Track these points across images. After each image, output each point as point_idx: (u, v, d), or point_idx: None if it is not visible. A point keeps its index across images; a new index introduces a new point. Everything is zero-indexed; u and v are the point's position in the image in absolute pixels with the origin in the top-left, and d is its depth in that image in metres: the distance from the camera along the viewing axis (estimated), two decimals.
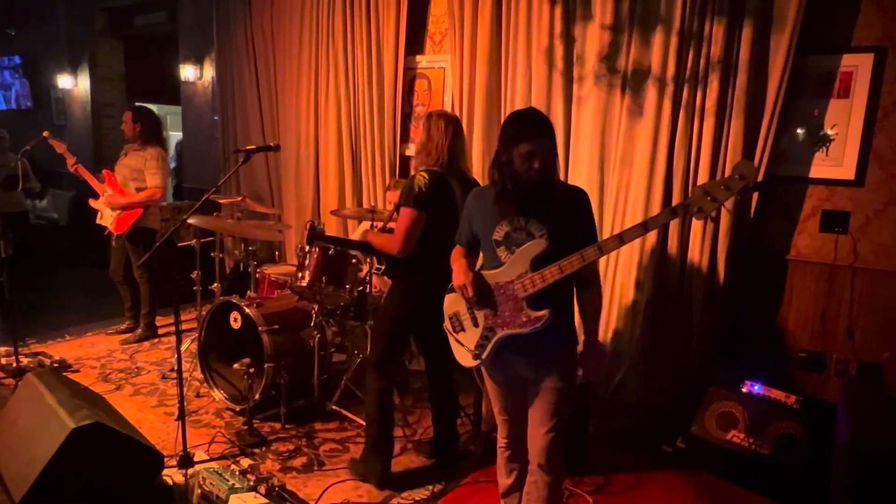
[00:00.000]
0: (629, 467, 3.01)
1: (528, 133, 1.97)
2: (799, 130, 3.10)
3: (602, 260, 3.46)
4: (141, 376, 3.93)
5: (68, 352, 4.25)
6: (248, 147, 2.75)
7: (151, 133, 4.33)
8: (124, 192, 4.26)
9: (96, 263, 6.82)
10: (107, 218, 4.30)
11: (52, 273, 6.32)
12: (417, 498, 2.74)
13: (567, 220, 2.01)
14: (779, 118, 3.01)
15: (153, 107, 4.89)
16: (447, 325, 2.25)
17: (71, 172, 4.33)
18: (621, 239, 1.91)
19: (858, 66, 2.91)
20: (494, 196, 2.07)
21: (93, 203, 4.36)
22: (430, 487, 2.81)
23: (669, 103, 3.21)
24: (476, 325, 2.14)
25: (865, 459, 2.26)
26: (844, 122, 2.97)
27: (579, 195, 2.12)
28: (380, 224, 3.50)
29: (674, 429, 3.14)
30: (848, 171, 2.99)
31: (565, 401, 2.10)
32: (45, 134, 4.11)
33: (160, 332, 4.64)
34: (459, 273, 2.12)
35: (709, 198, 1.82)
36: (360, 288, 3.53)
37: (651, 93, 3.26)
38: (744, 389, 2.99)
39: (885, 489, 2.20)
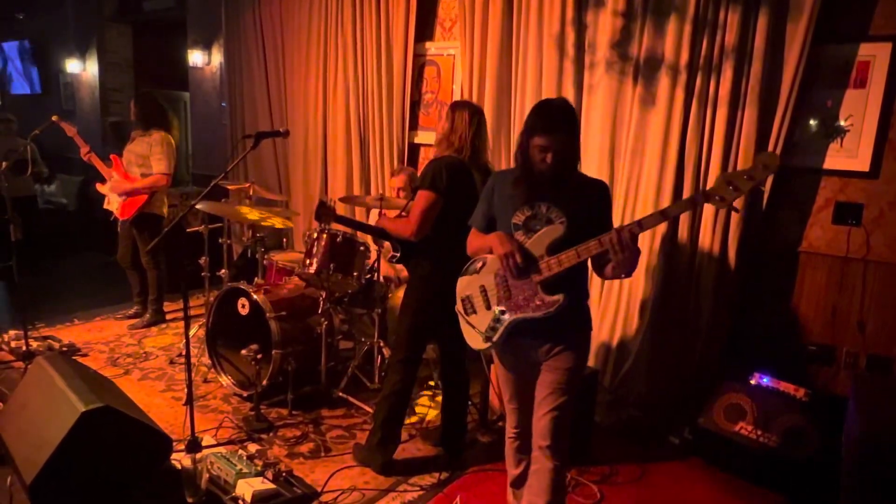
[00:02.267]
0: (635, 458, 3.01)
1: (545, 127, 1.98)
2: (813, 121, 3.05)
3: None
4: (149, 361, 3.95)
5: (77, 336, 4.27)
6: (257, 132, 2.73)
7: (153, 118, 4.26)
8: (129, 176, 4.26)
9: (105, 248, 6.84)
10: (113, 203, 4.30)
11: (60, 258, 6.35)
12: (424, 485, 2.75)
13: (586, 208, 2.02)
14: (793, 108, 2.97)
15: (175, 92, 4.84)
16: (459, 307, 2.24)
17: (82, 159, 4.31)
18: (640, 225, 1.89)
19: (876, 55, 2.86)
20: (516, 180, 2.08)
21: (100, 188, 4.36)
22: (437, 475, 2.81)
23: (682, 92, 3.17)
24: (488, 308, 2.12)
25: (875, 453, 2.24)
26: (860, 112, 2.93)
27: (600, 186, 2.13)
28: (393, 212, 3.48)
29: (681, 420, 3.13)
30: (863, 163, 2.95)
31: (572, 383, 2.09)
32: (54, 118, 4.10)
33: (168, 317, 4.66)
34: (504, 241, 2.03)
35: (731, 187, 1.80)
36: (368, 276, 3.52)
37: (663, 81, 3.22)
38: (753, 382, 2.98)
39: (895, 483, 2.18)
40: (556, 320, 2.01)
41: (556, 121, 1.99)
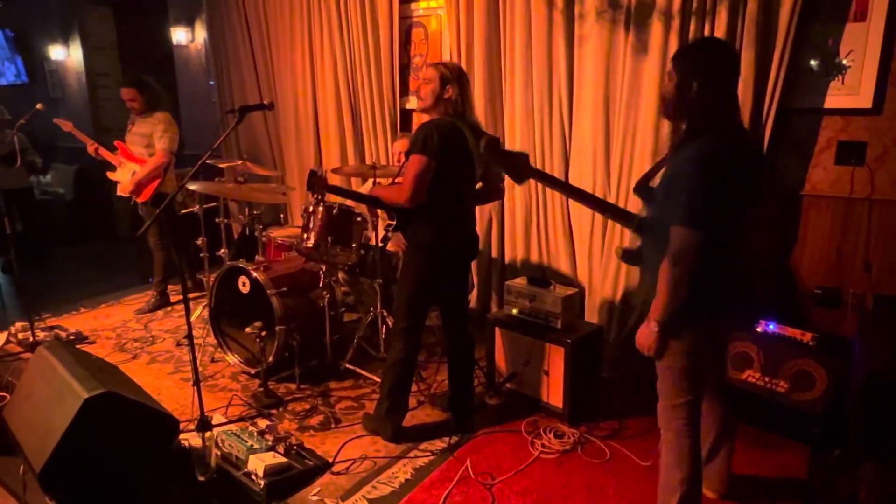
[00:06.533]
0: (643, 411, 3.00)
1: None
2: (813, 61, 2.96)
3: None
4: (156, 344, 3.97)
5: (83, 324, 4.29)
6: (241, 106, 2.66)
7: (157, 99, 4.30)
8: (136, 158, 4.26)
9: (105, 236, 6.85)
10: (127, 188, 4.30)
11: (62, 247, 6.35)
12: (434, 450, 2.76)
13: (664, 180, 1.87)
14: (791, 47, 2.87)
15: None
16: None
17: (89, 154, 4.34)
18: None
19: None
20: None
21: (111, 175, 4.38)
22: (447, 439, 2.83)
23: (676, 38, 3.07)
24: None
25: (881, 392, 2.23)
26: (861, 47, 2.82)
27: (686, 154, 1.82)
28: (387, 180, 3.42)
29: None
30: (865, 100, 2.86)
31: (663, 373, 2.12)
32: (39, 107, 4.04)
33: (172, 299, 4.66)
34: None
35: None
36: (381, 245, 3.46)
37: (656, 28, 3.12)
38: (758, 329, 2.96)
39: None
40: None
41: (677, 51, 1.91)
